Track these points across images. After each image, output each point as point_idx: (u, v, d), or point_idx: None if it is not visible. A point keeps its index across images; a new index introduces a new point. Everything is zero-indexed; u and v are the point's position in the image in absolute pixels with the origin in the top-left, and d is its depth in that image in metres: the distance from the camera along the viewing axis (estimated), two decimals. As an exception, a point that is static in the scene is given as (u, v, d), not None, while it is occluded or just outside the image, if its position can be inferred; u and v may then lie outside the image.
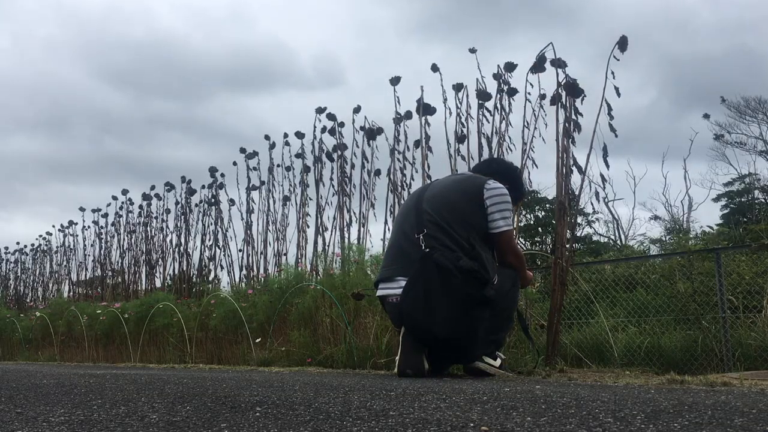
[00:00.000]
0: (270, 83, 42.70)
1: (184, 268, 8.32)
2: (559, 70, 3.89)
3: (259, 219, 7.36)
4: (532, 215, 18.08)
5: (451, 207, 2.82)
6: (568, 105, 3.84)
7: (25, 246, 12.25)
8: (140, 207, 9.20)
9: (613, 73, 3.74)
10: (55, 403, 1.85)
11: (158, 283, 8.75)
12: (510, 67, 4.46)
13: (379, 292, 2.92)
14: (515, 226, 4.33)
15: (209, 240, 8.07)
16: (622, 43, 3.73)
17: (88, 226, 10.43)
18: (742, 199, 20.44)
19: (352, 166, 6.10)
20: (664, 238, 18.79)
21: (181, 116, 41.18)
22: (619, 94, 3.74)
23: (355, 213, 6.00)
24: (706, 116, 23.59)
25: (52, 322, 8.45)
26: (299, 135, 6.60)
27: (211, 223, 8.08)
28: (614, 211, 23.97)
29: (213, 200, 8.06)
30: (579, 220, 17.40)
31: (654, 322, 5.72)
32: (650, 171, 47.17)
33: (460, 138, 4.80)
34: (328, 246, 6.22)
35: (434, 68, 4.90)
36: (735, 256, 6.16)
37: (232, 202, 7.77)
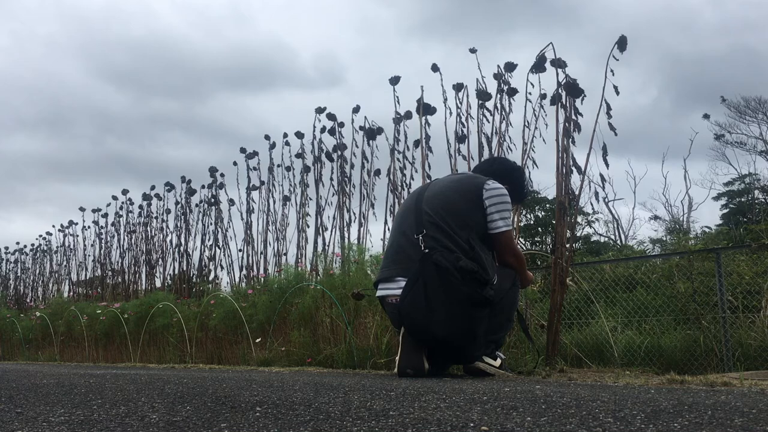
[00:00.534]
0: (271, 82, 42.76)
1: (184, 268, 8.32)
2: (559, 70, 3.89)
3: (259, 219, 7.38)
4: (532, 215, 18.08)
5: (451, 207, 2.82)
6: (568, 105, 3.84)
7: (25, 246, 12.26)
8: (140, 207, 9.21)
9: (612, 72, 3.74)
10: (55, 403, 1.85)
11: (158, 283, 8.76)
12: (510, 67, 4.46)
13: (379, 293, 2.92)
14: (515, 226, 4.33)
15: (209, 240, 8.09)
16: (622, 43, 3.73)
17: (88, 226, 10.45)
18: (742, 199, 20.44)
19: (352, 166, 6.11)
20: (664, 239, 18.80)
21: (181, 115, 41.23)
22: (618, 93, 3.74)
23: (355, 213, 6.01)
24: (706, 116, 23.62)
25: (52, 322, 8.45)
26: (299, 135, 6.60)
27: (211, 223, 8.10)
28: (614, 211, 23.99)
29: (213, 200, 8.06)
30: (579, 220, 17.40)
31: (654, 322, 5.73)
32: (650, 171, 47.27)
33: (460, 138, 4.80)
34: (328, 246, 6.23)
35: (434, 68, 4.90)
36: (735, 256, 6.16)
37: (232, 202, 7.78)
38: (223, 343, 5.75)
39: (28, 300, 11.87)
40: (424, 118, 5.03)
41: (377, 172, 5.86)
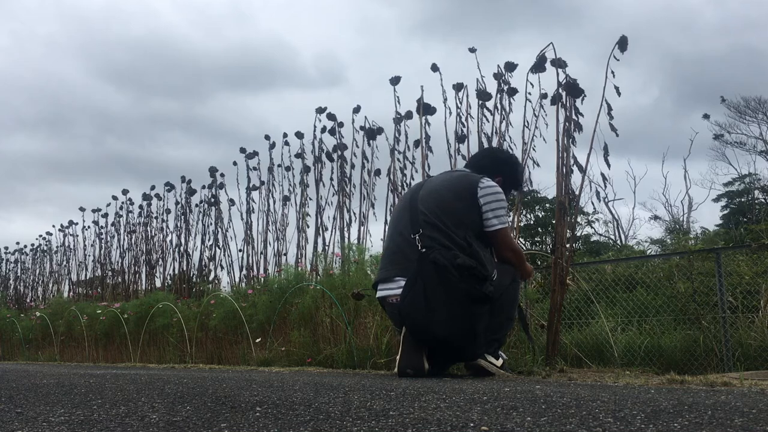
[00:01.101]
0: (271, 82, 42.78)
1: (184, 268, 8.32)
2: (560, 70, 3.89)
3: (259, 219, 7.37)
4: (532, 215, 18.08)
5: (446, 206, 2.82)
6: (568, 105, 3.84)
7: (25, 246, 12.26)
8: (140, 207, 9.20)
9: (613, 72, 3.74)
10: (55, 403, 1.85)
11: (158, 283, 8.76)
12: (510, 66, 4.46)
13: (379, 294, 2.92)
14: (516, 225, 4.33)
15: (209, 240, 8.08)
16: (622, 43, 3.73)
17: (88, 226, 10.44)
18: (742, 199, 20.45)
19: (352, 166, 6.11)
20: (664, 239, 18.80)
21: (181, 115, 41.25)
22: (619, 94, 3.74)
23: (355, 213, 6.01)
24: (706, 116, 23.63)
25: (52, 322, 8.45)
26: (299, 135, 6.60)
27: (211, 223, 8.09)
28: (614, 211, 24.00)
29: (213, 200, 8.06)
30: (579, 219, 17.40)
31: (654, 322, 5.73)
32: (650, 171, 47.27)
33: (461, 138, 4.80)
34: (328, 246, 6.23)
35: (434, 68, 4.90)
36: (735, 256, 6.16)
37: (232, 202, 7.78)
38: (223, 343, 5.75)
39: (28, 300, 11.86)
40: (424, 118, 5.03)
41: (377, 172, 5.86)
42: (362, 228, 5.87)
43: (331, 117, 6.17)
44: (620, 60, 3.72)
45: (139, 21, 45.37)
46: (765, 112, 22.67)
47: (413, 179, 5.42)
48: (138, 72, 42.57)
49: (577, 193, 3.97)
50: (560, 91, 3.88)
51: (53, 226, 14.03)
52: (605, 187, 4.09)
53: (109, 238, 9.82)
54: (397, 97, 5.33)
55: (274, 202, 7.23)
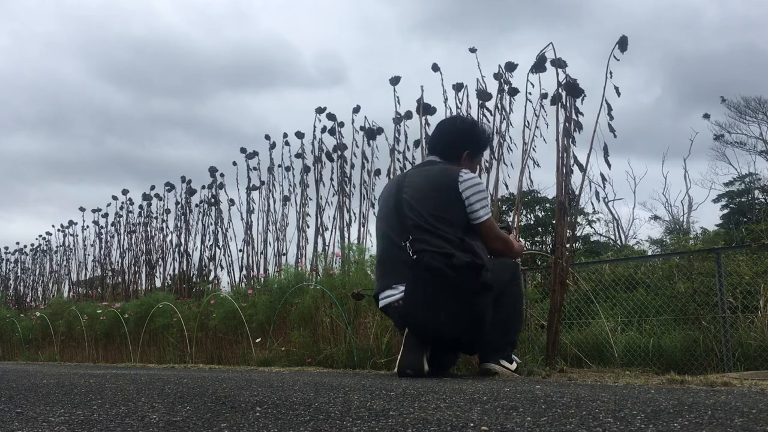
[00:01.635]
0: (271, 82, 42.82)
1: (184, 268, 8.32)
2: (560, 70, 3.89)
3: (259, 219, 7.37)
4: (532, 215, 18.08)
5: (431, 207, 2.80)
6: (568, 105, 3.85)
7: (25, 246, 12.26)
8: (140, 207, 9.20)
9: (611, 73, 3.74)
10: (55, 403, 1.85)
11: (158, 283, 8.76)
12: (510, 66, 4.46)
13: (382, 303, 2.89)
14: (516, 225, 4.33)
15: (209, 240, 8.08)
16: (622, 43, 3.73)
17: (88, 226, 10.44)
18: (742, 199, 20.46)
19: (352, 166, 6.10)
20: (663, 239, 18.80)
21: (182, 115, 41.28)
22: (618, 94, 3.74)
23: (355, 213, 6.00)
24: (706, 116, 23.63)
25: (52, 322, 8.45)
26: (299, 135, 6.60)
27: (211, 223, 8.09)
28: (614, 211, 24.00)
29: (213, 200, 8.06)
30: (579, 219, 17.40)
31: (654, 322, 5.73)
32: (650, 171, 47.26)
33: (460, 138, 4.79)
34: (328, 246, 6.23)
35: (434, 68, 4.90)
36: (735, 256, 6.16)
37: (232, 202, 7.78)
38: (223, 343, 5.75)
39: (28, 300, 11.86)
40: (424, 118, 5.03)
41: (377, 172, 5.86)
42: (362, 228, 5.88)
43: (331, 117, 6.17)
44: (622, 59, 3.72)
45: (140, 20, 45.42)
46: (765, 112, 22.69)
47: (413, 179, 5.40)
48: (138, 72, 42.62)
49: (577, 193, 3.97)
50: (560, 91, 3.88)
51: (53, 226, 14.03)
52: (605, 187, 4.10)
53: (109, 238, 9.83)
54: (397, 97, 5.33)
55: (274, 202, 7.24)
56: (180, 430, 1.33)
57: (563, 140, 3.80)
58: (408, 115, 5.37)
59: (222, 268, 7.97)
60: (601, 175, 3.93)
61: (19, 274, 12.43)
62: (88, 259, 10.31)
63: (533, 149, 4.24)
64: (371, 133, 5.73)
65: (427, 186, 2.88)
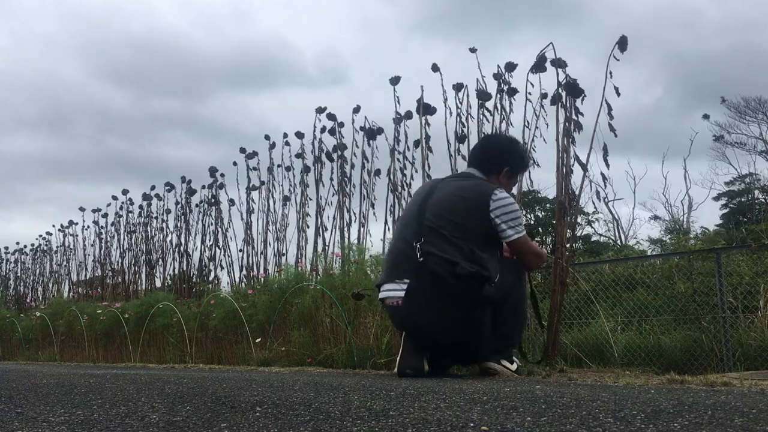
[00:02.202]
0: (272, 81, 42.82)
1: (184, 268, 8.31)
2: (560, 70, 3.89)
3: (259, 219, 7.36)
4: (532, 215, 18.08)
5: (453, 213, 2.81)
6: (568, 105, 3.84)
7: (25, 246, 12.25)
8: (140, 207, 9.20)
9: (611, 73, 3.74)
10: (55, 403, 1.85)
11: (158, 283, 8.75)
12: (510, 66, 4.46)
13: (381, 295, 2.92)
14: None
15: (209, 240, 8.08)
16: (622, 43, 3.73)
17: (88, 226, 10.43)
18: (742, 199, 20.46)
19: (352, 166, 6.10)
20: (662, 238, 18.80)
21: (182, 115, 41.27)
22: (618, 94, 3.74)
23: (355, 213, 6.00)
24: (706, 116, 23.63)
25: (52, 322, 8.44)
26: (299, 135, 6.60)
27: (211, 223, 8.08)
28: (614, 211, 23.99)
29: (213, 200, 8.06)
30: (579, 220, 17.40)
31: (654, 322, 5.73)
32: (650, 171, 47.22)
33: (461, 138, 4.80)
34: (328, 246, 6.22)
35: (434, 68, 4.90)
36: (735, 257, 6.16)
37: (232, 202, 7.77)
38: (223, 343, 5.75)
39: (28, 300, 11.86)
40: (424, 118, 5.03)
41: (377, 172, 5.86)
42: (362, 228, 5.88)
43: (331, 117, 6.17)
44: (623, 59, 3.72)
45: (140, 20, 45.40)
46: (765, 112, 22.69)
47: (413, 179, 5.42)
48: (138, 71, 42.61)
49: (577, 193, 3.97)
50: (560, 91, 3.88)
51: (53, 226, 14.01)
52: (605, 186, 4.09)
53: (109, 238, 9.82)
54: (397, 97, 5.33)
55: (274, 202, 7.24)
56: (180, 430, 1.33)
57: (563, 140, 3.80)
58: (408, 115, 5.37)
59: (222, 268, 7.97)
60: (602, 174, 3.94)
61: (19, 274, 12.44)
62: (88, 259, 10.32)
63: (533, 149, 4.24)
64: (371, 133, 5.73)
65: (457, 193, 2.89)
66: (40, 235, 11.73)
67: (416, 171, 5.32)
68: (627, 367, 3.97)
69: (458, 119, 4.85)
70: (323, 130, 6.30)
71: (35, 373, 3.76)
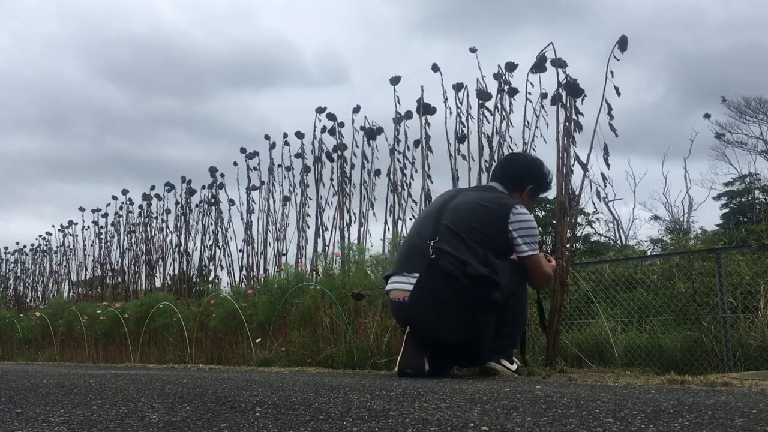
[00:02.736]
0: (273, 81, 42.82)
1: (184, 268, 8.31)
2: (560, 70, 3.89)
3: (259, 219, 7.36)
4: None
5: (473, 218, 2.83)
6: (568, 105, 3.84)
7: (25, 246, 12.24)
8: (140, 207, 9.19)
9: (612, 72, 3.74)
10: (55, 403, 1.85)
11: (158, 283, 8.74)
12: (510, 66, 4.45)
13: (389, 286, 2.93)
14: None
15: (209, 240, 8.07)
16: (622, 43, 3.73)
17: (88, 226, 10.43)
18: (742, 199, 20.45)
19: (352, 166, 6.10)
20: (662, 238, 18.80)
21: (182, 114, 41.25)
22: (618, 94, 3.74)
23: (355, 213, 6.00)
24: (707, 116, 23.62)
25: (52, 322, 8.44)
26: (299, 135, 6.59)
27: (211, 223, 8.07)
28: (614, 211, 23.98)
29: (213, 200, 8.06)
30: (579, 220, 17.40)
31: (654, 322, 5.73)
32: (651, 171, 47.17)
33: (461, 138, 4.80)
34: (328, 246, 6.22)
35: (434, 68, 4.89)
36: (735, 257, 6.16)
37: (232, 202, 7.77)
38: (223, 343, 5.75)
39: (27, 300, 11.85)
40: (424, 118, 5.03)
41: (377, 172, 5.86)
42: (362, 228, 5.87)
43: (331, 117, 6.17)
44: (626, 58, 3.72)
45: (140, 19, 45.39)
46: (765, 112, 22.67)
47: (413, 179, 5.42)
48: (138, 71, 42.60)
49: (577, 193, 3.97)
50: (560, 91, 3.88)
51: (53, 226, 14.01)
52: (605, 186, 4.10)
53: (108, 238, 9.81)
54: (397, 97, 5.33)
55: (274, 202, 7.23)
56: (180, 431, 1.33)
57: (563, 140, 3.80)
58: (408, 115, 5.37)
59: (222, 268, 7.97)
60: (602, 174, 3.94)
61: (18, 274, 12.43)
62: (88, 259, 10.30)
63: (533, 149, 4.24)
64: (371, 133, 5.73)
65: (479, 202, 2.91)
66: (40, 235, 11.74)
67: (416, 171, 5.32)
68: (627, 367, 3.97)
69: (458, 119, 4.85)
70: (323, 130, 6.30)
71: (35, 373, 3.76)
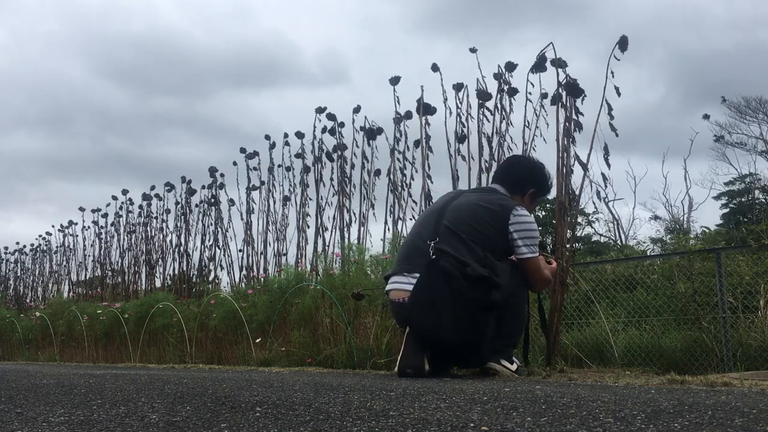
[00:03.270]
0: (273, 80, 42.82)
1: (184, 268, 8.31)
2: (560, 70, 3.89)
3: (259, 219, 7.36)
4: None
5: (473, 219, 2.84)
6: (568, 105, 3.84)
7: (25, 246, 12.24)
8: (140, 207, 9.19)
9: (612, 72, 3.74)
10: (55, 403, 1.85)
11: (158, 283, 8.74)
12: (510, 66, 4.45)
13: (389, 287, 2.94)
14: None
15: (209, 240, 8.07)
16: (622, 43, 3.73)
17: (88, 226, 10.43)
18: (743, 199, 20.45)
19: (352, 166, 6.10)
20: (662, 237, 18.80)
21: (183, 114, 41.25)
22: (619, 94, 3.74)
23: (355, 213, 6.00)
24: (706, 116, 23.60)
25: (52, 322, 8.44)
26: (299, 135, 6.59)
27: (211, 223, 8.08)
28: (614, 211, 23.97)
29: (213, 200, 8.06)
30: (579, 220, 17.40)
31: (654, 322, 5.73)
32: (651, 171, 47.12)
33: (461, 138, 4.80)
34: (328, 246, 6.22)
35: (434, 68, 4.90)
36: (735, 257, 6.16)
37: (232, 202, 7.77)
38: (223, 343, 5.75)
39: (27, 300, 11.85)
40: (424, 118, 5.03)
41: (377, 172, 5.86)
42: (362, 228, 5.87)
43: (331, 117, 6.17)
44: (627, 58, 3.73)
45: (140, 18, 45.40)
46: (766, 112, 22.67)
47: (413, 179, 5.42)
48: (138, 70, 42.59)
49: (577, 193, 3.97)
50: (560, 90, 3.88)
51: (53, 226, 14.01)
52: (605, 186, 4.09)
53: (108, 238, 9.81)
54: (397, 97, 5.33)
55: (274, 202, 7.23)
56: (180, 430, 1.33)
57: (563, 140, 3.80)
58: (408, 115, 5.37)
59: (222, 268, 7.97)
60: (602, 174, 3.94)
61: (18, 274, 12.43)
62: (88, 259, 10.31)
63: (533, 149, 4.24)
64: (371, 133, 5.73)
65: (480, 203, 2.92)
66: (40, 235, 11.74)
67: (416, 171, 5.32)
68: (627, 367, 3.97)
69: (458, 119, 4.84)
70: (323, 130, 6.30)
71: (35, 373, 3.76)
